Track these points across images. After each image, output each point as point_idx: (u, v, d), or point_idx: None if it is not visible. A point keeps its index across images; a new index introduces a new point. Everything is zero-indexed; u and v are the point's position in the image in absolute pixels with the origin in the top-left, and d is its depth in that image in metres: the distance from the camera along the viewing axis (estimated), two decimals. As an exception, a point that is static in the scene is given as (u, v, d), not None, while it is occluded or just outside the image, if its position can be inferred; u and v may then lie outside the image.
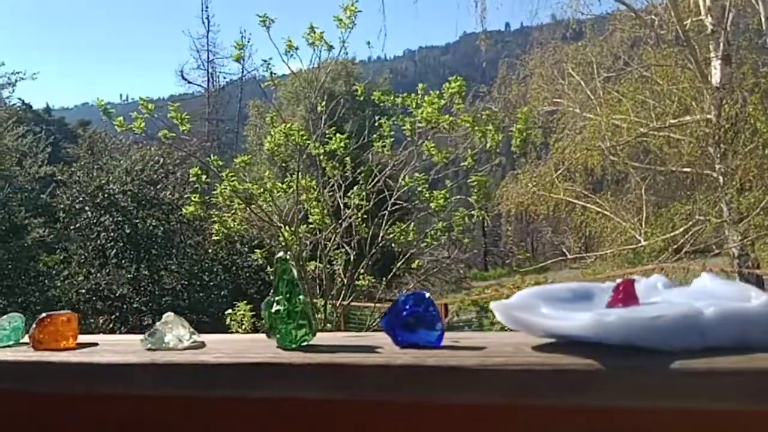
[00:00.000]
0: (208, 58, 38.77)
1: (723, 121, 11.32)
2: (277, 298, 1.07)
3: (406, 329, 1.01)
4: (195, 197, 6.79)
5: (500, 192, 15.06)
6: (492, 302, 0.96)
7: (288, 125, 6.02)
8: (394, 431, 1.04)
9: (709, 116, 12.30)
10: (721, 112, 11.74)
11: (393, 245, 6.97)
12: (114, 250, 12.14)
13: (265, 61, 6.53)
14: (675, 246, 12.25)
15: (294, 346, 1.05)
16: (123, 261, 11.91)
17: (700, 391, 0.83)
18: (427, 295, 1.03)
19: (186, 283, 12.31)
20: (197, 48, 39.61)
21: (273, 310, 1.06)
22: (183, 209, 7.16)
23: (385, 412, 1.02)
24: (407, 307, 1.02)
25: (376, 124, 6.65)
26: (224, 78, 39.91)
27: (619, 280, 0.97)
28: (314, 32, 6.81)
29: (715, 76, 12.57)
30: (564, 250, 14.51)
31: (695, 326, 0.86)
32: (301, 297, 1.06)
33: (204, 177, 6.52)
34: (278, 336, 1.06)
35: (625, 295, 0.95)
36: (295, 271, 1.08)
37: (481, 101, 14.95)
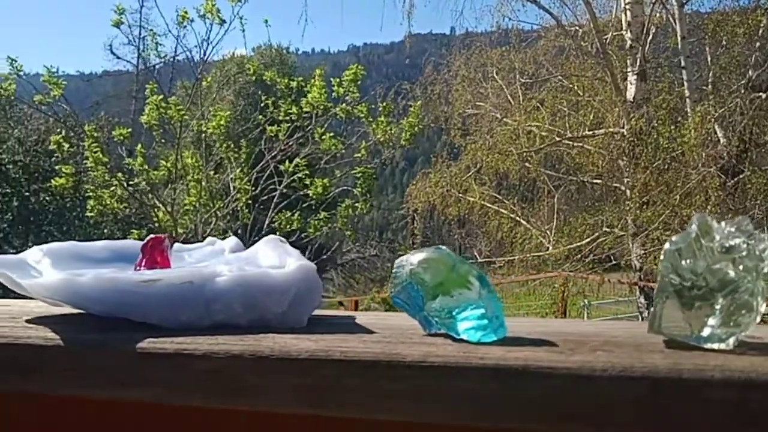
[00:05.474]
0: (140, 34, 37.44)
1: (630, 135, 11.50)
2: None
3: None
4: (67, 169, 6.34)
5: (409, 190, 14.95)
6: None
7: (159, 98, 5.66)
8: None
9: (621, 130, 12.49)
10: (630, 126, 11.92)
11: (277, 234, 6.70)
12: (4, 224, 11.43)
13: (151, 30, 6.16)
14: (579, 255, 12.39)
15: None
16: (10, 236, 11.20)
17: (166, 377, 0.62)
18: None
19: (79, 263, 11.69)
20: (129, 23, 38.18)
21: None
22: (53, 181, 6.68)
23: None
24: None
25: (262, 105, 6.37)
26: (155, 57, 38.66)
27: (151, 236, 0.75)
28: (209, 2, 6.50)
29: (630, 91, 12.76)
30: (475, 253, 14.50)
31: (199, 296, 0.65)
32: None
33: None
34: None
35: (152, 256, 0.73)
36: None
37: (403, 99, 14.82)
